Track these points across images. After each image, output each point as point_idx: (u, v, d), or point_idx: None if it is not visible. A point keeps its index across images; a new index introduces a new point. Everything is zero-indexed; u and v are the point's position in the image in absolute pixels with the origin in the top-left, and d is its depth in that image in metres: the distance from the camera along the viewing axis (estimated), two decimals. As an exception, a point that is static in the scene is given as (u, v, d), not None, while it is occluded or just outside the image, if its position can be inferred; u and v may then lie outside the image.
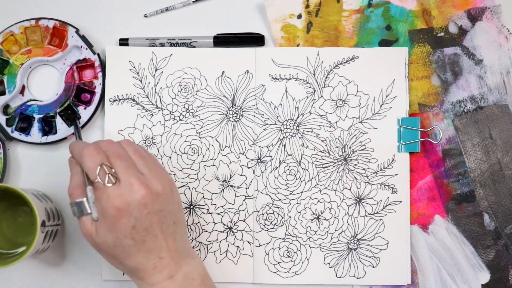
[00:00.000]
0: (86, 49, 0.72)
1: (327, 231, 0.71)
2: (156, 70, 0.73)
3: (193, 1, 0.74)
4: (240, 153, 0.72)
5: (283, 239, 0.71)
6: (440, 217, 0.72)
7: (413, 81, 0.73)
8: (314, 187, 0.72)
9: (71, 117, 0.71)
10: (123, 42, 0.73)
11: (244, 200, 0.72)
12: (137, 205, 0.55)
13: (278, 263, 0.71)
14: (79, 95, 0.72)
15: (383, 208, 0.71)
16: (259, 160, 0.72)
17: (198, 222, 0.72)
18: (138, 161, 0.58)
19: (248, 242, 0.71)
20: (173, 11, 0.74)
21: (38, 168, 0.73)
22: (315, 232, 0.71)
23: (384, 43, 0.73)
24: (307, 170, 0.72)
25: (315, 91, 0.72)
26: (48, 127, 0.72)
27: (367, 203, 0.71)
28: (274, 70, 0.72)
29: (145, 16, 0.74)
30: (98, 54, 0.72)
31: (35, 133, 0.72)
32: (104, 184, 0.56)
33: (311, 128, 0.72)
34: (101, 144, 0.59)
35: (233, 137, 0.72)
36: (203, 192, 0.72)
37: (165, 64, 0.73)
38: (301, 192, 0.72)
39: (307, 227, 0.71)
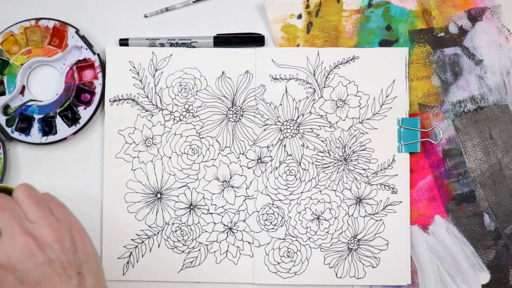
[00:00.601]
0: (86, 49, 0.72)
1: (327, 232, 0.71)
2: (156, 70, 0.73)
3: (193, 1, 0.74)
4: (240, 153, 0.72)
5: (283, 239, 0.71)
6: (440, 217, 0.72)
7: (413, 81, 0.73)
8: (314, 187, 0.72)
9: None
10: (123, 42, 0.73)
11: (244, 200, 0.72)
12: (20, 256, 0.50)
13: (278, 263, 0.71)
14: (79, 95, 0.72)
15: (383, 209, 0.71)
16: (259, 161, 0.72)
17: (198, 222, 0.71)
18: (29, 210, 0.53)
19: (248, 242, 0.71)
20: (173, 11, 0.74)
21: (38, 168, 0.73)
22: (315, 232, 0.71)
23: (384, 43, 0.73)
24: (307, 170, 0.72)
25: (315, 91, 0.72)
26: (48, 127, 0.72)
27: (367, 204, 0.71)
28: (274, 70, 0.72)
29: (145, 16, 0.74)
30: (98, 54, 0.72)
31: (35, 134, 0.72)
32: None
33: (311, 129, 0.72)
34: None
35: (233, 138, 0.72)
36: (203, 193, 0.72)
37: (165, 64, 0.73)
38: (301, 192, 0.72)
39: (307, 228, 0.71)
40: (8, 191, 0.65)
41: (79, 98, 0.72)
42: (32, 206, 0.53)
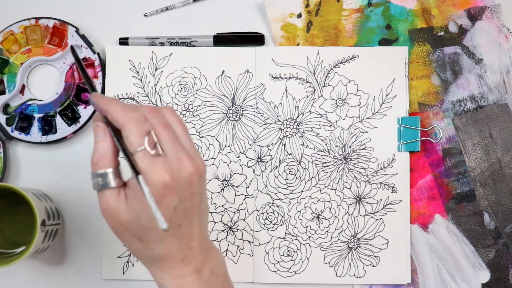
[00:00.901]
0: (86, 48, 0.72)
1: (327, 231, 0.71)
2: (156, 69, 0.73)
3: (193, 1, 0.74)
4: (240, 152, 0.72)
5: (283, 238, 0.71)
6: (440, 216, 0.72)
7: (413, 80, 0.73)
8: (314, 186, 0.72)
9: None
10: (123, 41, 0.73)
11: (244, 199, 0.72)
12: (184, 184, 0.47)
13: (278, 262, 0.71)
14: (79, 95, 0.72)
15: (383, 208, 0.71)
16: (259, 160, 0.72)
17: (198, 221, 0.71)
18: (183, 134, 0.50)
19: (248, 241, 0.71)
20: (173, 10, 0.74)
21: (38, 167, 0.73)
22: (315, 231, 0.71)
23: (384, 42, 0.73)
24: (307, 169, 0.72)
25: (315, 90, 0.72)
26: (48, 126, 0.72)
27: (367, 203, 0.71)
28: (274, 69, 0.72)
29: (145, 15, 0.74)
30: (98, 54, 0.72)
31: (35, 133, 0.72)
32: (151, 155, 0.47)
33: (311, 127, 0.72)
34: (143, 110, 0.49)
35: (233, 137, 0.72)
36: (203, 192, 0.72)
37: (165, 63, 0.73)
38: (301, 191, 0.72)
39: (307, 227, 0.71)
40: (9, 191, 0.65)
41: (79, 97, 0.72)
42: (184, 132, 0.50)
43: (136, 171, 0.46)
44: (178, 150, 0.48)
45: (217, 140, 0.72)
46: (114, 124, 0.48)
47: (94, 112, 0.72)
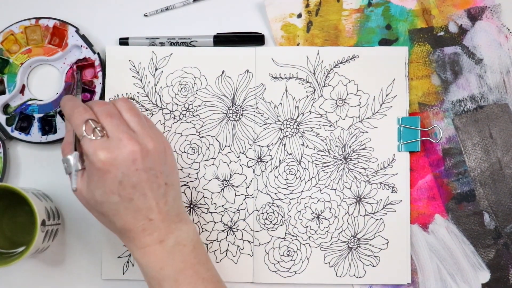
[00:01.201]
0: (86, 48, 0.72)
1: (327, 231, 0.71)
2: (156, 69, 0.73)
3: (193, 0, 0.74)
4: (240, 152, 0.72)
5: (283, 238, 0.71)
6: (440, 216, 0.72)
7: (413, 80, 0.73)
8: (314, 186, 0.72)
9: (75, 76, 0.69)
10: (123, 41, 0.73)
11: (244, 199, 0.72)
12: (125, 160, 0.54)
13: (278, 262, 0.71)
14: (79, 95, 0.72)
15: (383, 208, 0.71)
16: (259, 160, 0.72)
17: (198, 221, 0.71)
18: (131, 119, 0.58)
19: (248, 241, 0.71)
20: (173, 10, 0.74)
21: (38, 167, 0.73)
22: (315, 231, 0.71)
23: (384, 42, 0.73)
24: (307, 169, 0.72)
25: (315, 90, 0.72)
26: (48, 126, 0.72)
27: (367, 203, 0.71)
28: (274, 69, 0.72)
29: (145, 15, 0.74)
30: (98, 54, 0.72)
31: (35, 133, 0.72)
32: (90, 138, 0.55)
33: (311, 128, 0.72)
34: (92, 104, 0.59)
35: (233, 137, 0.72)
36: (203, 192, 0.72)
37: (165, 63, 0.73)
38: (301, 191, 0.72)
39: (307, 227, 0.71)
40: (9, 191, 0.65)
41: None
42: (133, 116, 0.58)
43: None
44: (119, 132, 0.55)
45: (217, 140, 0.72)
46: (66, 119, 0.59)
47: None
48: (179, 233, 0.58)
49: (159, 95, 0.72)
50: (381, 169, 0.71)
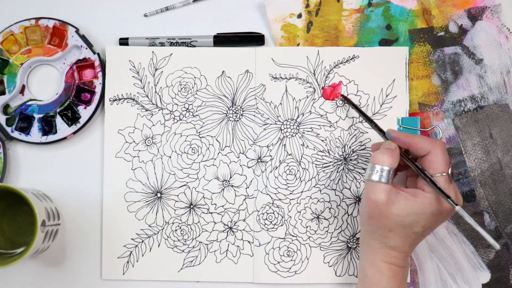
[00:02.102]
0: (86, 48, 0.72)
1: (326, 231, 0.71)
2: (156, 69, 0.73)
3: (193, 1, 0.74)
4: (240, 152, 0.72)
5: (283, 238, 0.71)
6: (440, 216, 0.72)
7: (413, 80, 0.73)
8: (314, 186, 0.72)
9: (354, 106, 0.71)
10: (123, 41, 0.73)
11: (244, 199, 0.72)
12: (446, 215, 0.61)
13: (278, 262, 0.71)
14: (79, 95, 0.72)
15: (383, 208, 0.71)
16: (259, 160, 0.72)
17: (198, 221, 0.72)
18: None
19: (248, 241, 0.71)
20: (173, 10, 0.74)
21: (38, 167, 0.73)
22: (315, 231, 0.71)
23: (384, 42, 0.73)
24: (307, 169, 0.72)
25: (315, 90, 0.72)
26: (48, 126, 0.72)
27: (367, 203, 0.71)
28: (274, 69, 0.72)
29: (145, 15, 0.74)
30: (98, 54, 0.72)
31: (35, 133, 0.72)
32: (449, 181, 0.60)
33: (311, 128, 0.72)
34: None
35: (233, 137, 0.72)
36: (203, 192, 0.72)
37: (165, 63, 0.73)
38: (301, 191, 0.72)
39: (307, 227, 0.71)
40: (9, 191, 0.65)
41: (79, 97, 0.72)
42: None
43: (438, 188, 0.58)
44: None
45: (217, 141, 0.72)
46: (418, 150, 0.61)
47: (94, 112, 0.72)
48: (407, 270, 0.64)
49: (159, 95, 0.72)
50: (381, 169, 0.71)
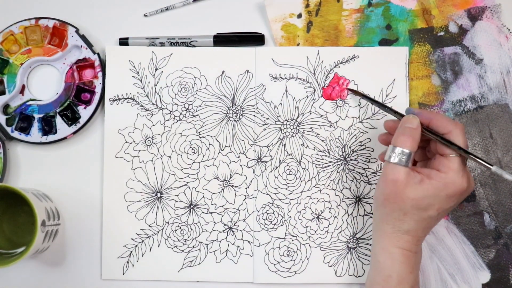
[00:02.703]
0: (86, 48, 0.72)
1: (326, 231, 0.71)
2: (156, 69, 0.73)
3: (193, 1, 0.74)
4: (240, 152, 0.72)
5: (283, 238, 0.71)
6: (440, 216, 0.72)
7: (413, 80, 0.73)
8: (314, 186, 0.72)
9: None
10: (123, 41, 0.73)
11: (244, 199, 0.72)
12: (461, 196, 0.60)
13: (278, 262, 0.71)
14: (79, 95, 0.72)
15: (383, 208, 0.71)
16: (259, 160, 0.72)
17: (198, 221, 0.71)
18: None
19: (248, 241, 0.71)
20: (173, 10, 0.74)
21: (38, 167, 0.73)
22: (315, 231, 0.71)
23: (384, 42, 0.73)
24: (307, 169, 0.72)
25: (315, 90, 0.72)
26: (48, 126, 0.72)
27: (367, 203, 0.71)
28: (274, 69, 0.72)
29: (145, 15, 0.74)
30: (98, 54, 0.72)
31: (35, 133, 0.72)
32: (465, 164, 0.60)
33: (311, 128, 0.72)
34: None
35: (233, 137, 0.72)
36: (203, 192, 0.72)
37: (165, 63, 0.73)
38: (301, 191, 0.72)
39: (307, 227, 0.71)
40: (9, 191, 0.65)
41: (79, 97, 0.72)
42: None
43: (468, 153, 0.58)
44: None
45: (217, 141, 0.72)
46: (439, 128, 0.60)
47: (94, 112, 0.72)
48: (420, 256, 0.64)
49: (159, 95, 0.72)
50: (380, 169, 0.71)
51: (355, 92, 0.71)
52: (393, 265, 0.60)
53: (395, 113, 0.65)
